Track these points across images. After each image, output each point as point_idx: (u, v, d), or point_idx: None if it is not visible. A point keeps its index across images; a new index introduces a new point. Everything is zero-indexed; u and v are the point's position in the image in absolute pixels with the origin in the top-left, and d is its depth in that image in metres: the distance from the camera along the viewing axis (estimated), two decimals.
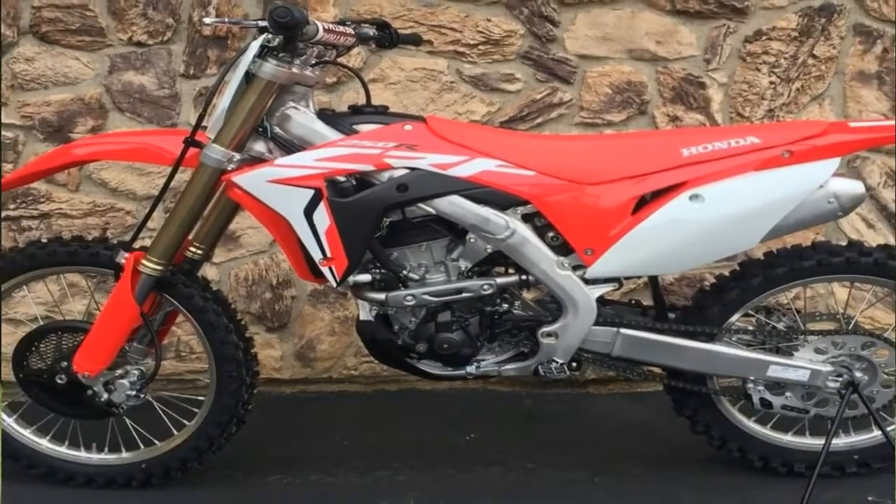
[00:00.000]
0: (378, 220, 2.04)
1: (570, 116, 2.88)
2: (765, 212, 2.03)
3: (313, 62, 2.11)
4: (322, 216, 2.00)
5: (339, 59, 2.24)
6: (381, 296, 2.10)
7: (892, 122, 2.12)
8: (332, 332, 3.00)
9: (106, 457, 2.35)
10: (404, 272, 2.10)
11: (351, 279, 2.08)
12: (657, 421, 2.70)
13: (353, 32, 2.12)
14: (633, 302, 2.33)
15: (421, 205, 2.04)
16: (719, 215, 2.03)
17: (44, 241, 2.27)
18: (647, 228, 2.03)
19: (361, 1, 2.81)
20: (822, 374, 2.18)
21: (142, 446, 2.35)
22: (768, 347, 2.22)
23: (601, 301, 2.14)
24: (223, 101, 2.01)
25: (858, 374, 2.19)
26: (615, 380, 3.00)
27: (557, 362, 2.15)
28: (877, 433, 2.27)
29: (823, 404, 2.23)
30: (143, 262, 2.13)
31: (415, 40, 2.37)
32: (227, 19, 1.99)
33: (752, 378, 2.20)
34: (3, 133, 2.87)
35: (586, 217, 2.04)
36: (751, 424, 2.32)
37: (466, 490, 2.28)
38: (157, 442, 2.33)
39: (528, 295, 2.21)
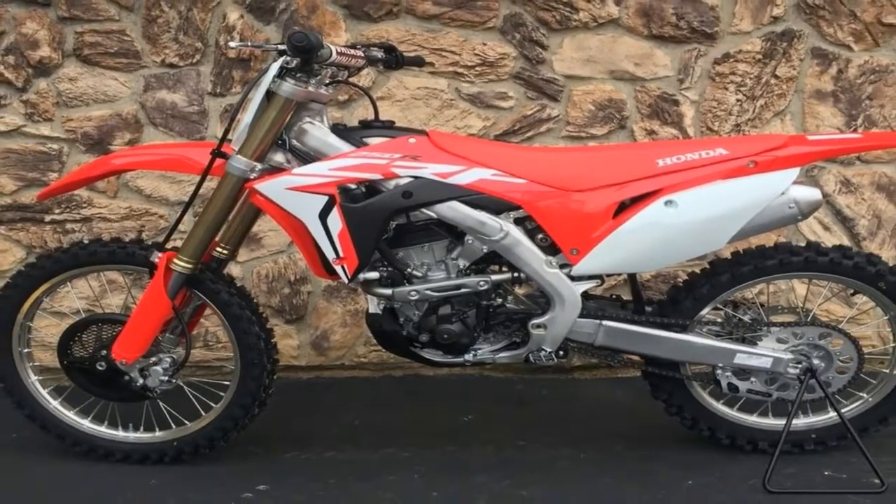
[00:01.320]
0: (385, 223, 2.04)
1: (557, 130, 2.88)
2: (732, 216, 2.04)
3: (327, 82, 2.12)
4: (335, 220, 2.00)
5: (351, 79, 2.24)
6: (388, 291, 2.10)
7: (847, 136, 2.13)
8: (344, 323, 3.00)
9: (141, 436, 2.35)
10: (409, 270, 2.11)
11: (361, 276, 2.09)
12: (636, 403, 2.70)
13: (362, 55, 2.12)
14: (614, 296, 2.33)
15: (424, 209, 2.05)
16: (691, 219, 2.03)
17: (86, 242, 2.27)
18: (627, 231, 2.03)
19: (370, 27, 2.82)
20: (784, 361, 2.18)
21: (173, 426, 2.35)
22: (735, 337, 2.22)
23: (585, 296, 2.14)
24: (246, 117, 2.02)
25: (816, 362, 2.20)
26: (598, 366, 3.00)
27: (546, 351, 2.15)
28: (832, 414, 2.27)
29: (784, 388, 2.23)
30: (175, 260, 2.13)
31: (418, 62, 2.36)
32: (250, 43, 1.99)
33: (720, 365, 2.20)
34: (49, 145, 2.88)
35: (572, 220, 2.04)
36: (719, 406, 2.32)
37: (465, 465, 2.28)
38: (187, 422, 2.34)
39: (519, 290, 2.21)
